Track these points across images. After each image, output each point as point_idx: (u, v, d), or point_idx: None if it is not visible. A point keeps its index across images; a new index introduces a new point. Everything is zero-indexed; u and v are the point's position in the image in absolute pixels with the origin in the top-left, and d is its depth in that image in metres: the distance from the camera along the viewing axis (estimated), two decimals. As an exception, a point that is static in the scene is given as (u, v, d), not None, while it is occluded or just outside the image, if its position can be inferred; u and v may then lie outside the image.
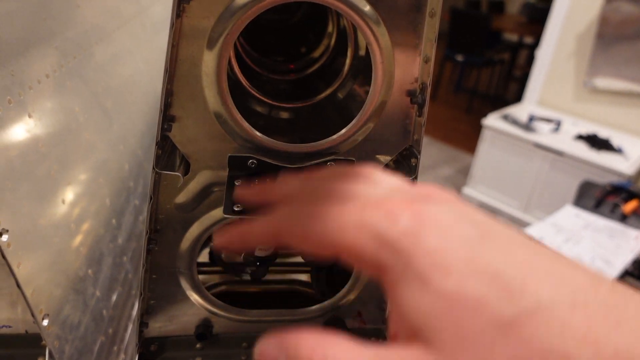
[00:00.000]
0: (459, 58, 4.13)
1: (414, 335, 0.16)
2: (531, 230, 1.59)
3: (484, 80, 4.72)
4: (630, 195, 1.67)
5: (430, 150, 3.55)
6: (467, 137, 3.71)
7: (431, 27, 0.34)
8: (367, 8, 0.33)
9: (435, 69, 4.53)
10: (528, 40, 4.59)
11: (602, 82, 2.41)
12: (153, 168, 0.35)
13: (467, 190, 2.93)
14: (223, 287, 0.59)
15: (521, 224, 2.51)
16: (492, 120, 2.54)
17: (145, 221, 0.38)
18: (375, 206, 0.18)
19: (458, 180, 3.12)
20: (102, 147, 0.62)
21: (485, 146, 2.75)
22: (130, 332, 0.68)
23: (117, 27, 0.78)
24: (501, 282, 0.15)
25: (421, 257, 0.16)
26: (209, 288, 0.54)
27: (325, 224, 0.18)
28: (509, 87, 4.70)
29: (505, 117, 2.52)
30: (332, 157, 0.38)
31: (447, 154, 3.52)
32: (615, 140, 2.25)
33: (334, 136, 0.37)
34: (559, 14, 2.45)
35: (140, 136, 0.80)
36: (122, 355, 0.65)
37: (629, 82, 2.33)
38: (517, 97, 2.96)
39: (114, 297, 0.63)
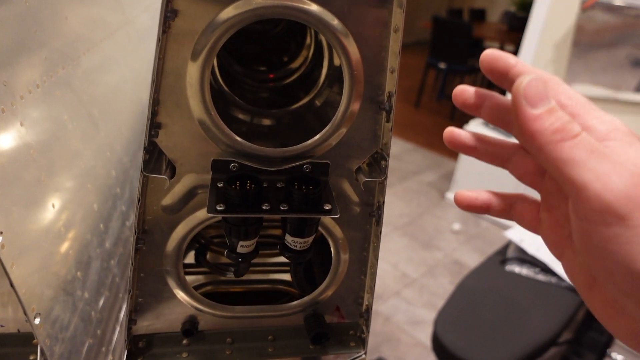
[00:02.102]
0: (442, 66, 4.21)
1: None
2: (511, 233, 1.64)
3: (467, 87, 4.79)
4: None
5: (414, 157, 3.61)
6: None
7: (395, 41, 0.37)
8: (335, 22, 0.36)
9: (419, 76, 4.57)
10: (509, 48, 4.69)
11: (580, 88, 2.48)
12: (141, 171, 0.38)
13: (450, 195, 2.99)
14: (208, 288, 0.62)
15: (502, 227, 2.57)
16: (474, 126, 2.60)
17: (134, 222, 0.40)
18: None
19: (442, 186, 3.17)
20: (90, 154, 0.64)
21: (468, 152, 2.80)
22: (117, 334, 0.70)
23: (103, 38, 0.80)
24: None
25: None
26: (195, 288, 0.56)
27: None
28: (491, 93, 4.78)
29: (487, 123, 2.57)
30: (308, 160, 0.41)
31: (430, 160, 3.58)
32: (592, 144, 2.32)
33: (309, 141, 0.40)
34: (536, 23, 2.53)
35: (126, 143, 0.82)
36: (110, 357, 0.66)
37: (605, 88, 2.41)
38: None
39: (102, 300, 0.65)
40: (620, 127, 0.25)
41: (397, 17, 0.37)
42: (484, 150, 0.32)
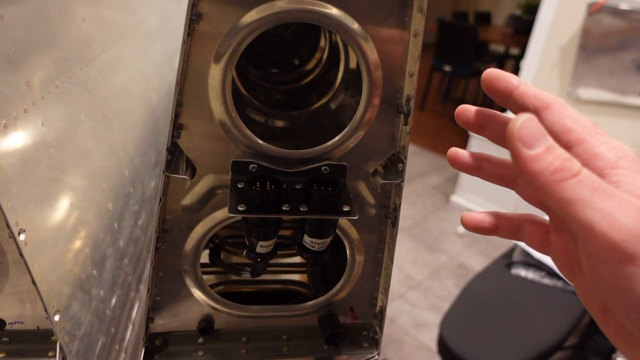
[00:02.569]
0: (447, 68, 4.21)
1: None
2: (517, 236, 1.64)
3: (472, 90, 4.81)
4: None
5: (419, 159, 3.61)
6: (455, 146, 3.76)
7: (415, 45, 0.38)
8: (355, 26, 0.37)
9: (424, 79, 4.56)
10: (514, 51, 4.70)
11: (586, 92, 2.48)
12: (163, 172, 0.38)
13: (455, 198, 2.99)
14: (220, 287, 0.62)
15: (508, 231, 2.56)
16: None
17: (155, 221, 0.41)
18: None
19: (446, 189, 3.17)
20: (105, 154, 0.65)
21: (473, 154, 2.80)
22: (130, 332, 0.70)
23: (117, 39, 0.81)
24: None
25: None
26: (208, 288, 0.57)
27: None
28: (496, 97, 4.78)
29: None
30: (326, 162, 0.42)
31: (435, 163, 3.58)
32: (598, 148, 2.31)
33: (328, 143, 0.41)
34: (543, 26, 2.53)
35: (137, 143, 0.83)
36: (122, 355, 0.67)
37: (611, 92, 2.40)
38: (504, 107, 3.02)
39: (114, 299, 0.66)
40: (629, 154, 0.25)
41: (417, 22, 0.37)
42: (488, 171, 0.32)
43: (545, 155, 0.22)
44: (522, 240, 0.31)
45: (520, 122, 0.22)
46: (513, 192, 0.34)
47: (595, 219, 0.21)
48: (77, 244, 0.54)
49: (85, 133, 0.59)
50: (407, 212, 2.85)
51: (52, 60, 0.52)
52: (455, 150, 0.33)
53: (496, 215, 0.32)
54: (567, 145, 0.26)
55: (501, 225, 0.31)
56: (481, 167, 0.32)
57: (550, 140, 0.22)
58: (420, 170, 3.44)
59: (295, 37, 0.71)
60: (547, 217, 0.31)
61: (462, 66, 4.15)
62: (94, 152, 0.62)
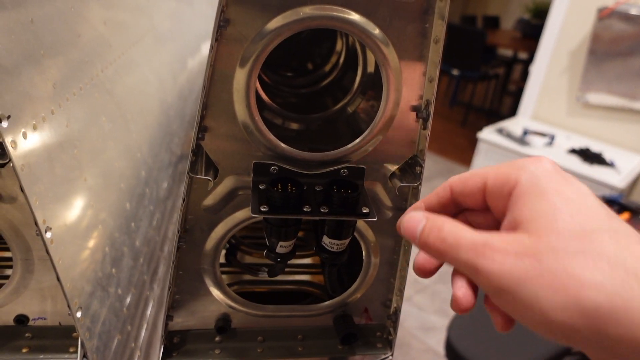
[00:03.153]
0: (455, 72, 4.21)
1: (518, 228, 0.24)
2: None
3: (479, 95, 4.80)
4: (622, 208, 1.72)
5: (426, 163, 3.60)
6: (462, 150, 3.77)
7: (435, 52, 0.39)
8: (376, 31, 0.38)
9: (432, 82, 4.57)
10: (522, 55, 4.68)
11: (595, 97, 2.47)
12: (187, 173, 0.39)
13: (463, 201, 2.98)
14: (235, 287, 0.63)
15: (515, 235, 2.56)
16: (487, 134, 2.60)
17: (177, 221, 0.41)
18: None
19: (454, 192, 3.16)
20: (124, 155, 0.66)
21: (480, 159, 2.81)
22: (145, 331, 0.71)
23: (134, 42, 0.82)
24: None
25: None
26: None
27: None
28: (504, 101, 4.78)
29: (500, 131, 2.58)
30: (345, 165, 0.43)
31: (442, 166, 3.57)
32: (608, 154, 2.31)
33: (347, 146, 0.42)
34: (552, 31, 2.53)
35: (151, 144, 0.84)
36: (137, 352, 0.68)
37: (620, 97, 2.40)
38: (512, 112, 3.02)
39: (129, 297, 0.67)
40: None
41: (438, 29, 0.38)
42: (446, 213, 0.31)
43: (426, 232, 0.26)
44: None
45: (401, 224, 0.28)
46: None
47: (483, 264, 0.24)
48: (97, 242, 0.55)
49: (105, 134, 0.61)
50: (414, 215, 2.84)
51: (76, 62, 0.53)
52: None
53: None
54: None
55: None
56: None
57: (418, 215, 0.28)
58: (427, 173, 3.42)
59: (310, 40, 0.72)
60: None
61: (470, 70, 4.15)
62: (113, 153, 0.63)
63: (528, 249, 0.22)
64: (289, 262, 0.70)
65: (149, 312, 0.74)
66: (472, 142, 2.80)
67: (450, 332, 1.33)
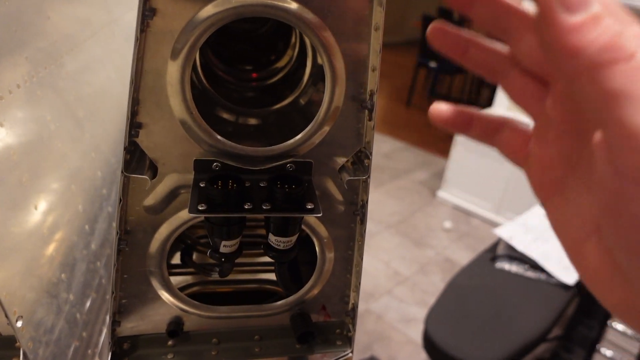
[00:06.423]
0: (432, 64, 4.22)
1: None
2: (501, 230, 1.65)
3: (457, 86, 4.83)
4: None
5: (405, 155, 3.61)
6: (441, 142, 3.78)
7: (376, 40, 0.37)
8: (315, 20, 0.36)
9: (409, 75, 4.58)
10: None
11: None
12: (122, 172, 0.37)
13: (442, 193, 3.00)
14: (196, 288, 0.61)
15: (493, 225, 2.58)
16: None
17: (116, 223, 0.40)
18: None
19: (433, 184, 3.18)
20: (75, 156, 0.64)
21: (459, 150, 2.82)
22: (104, 336, 0.69)
23: (88, 37, 0.79)
24: None
25: None
26: (182, 289, 0.56)
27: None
28: (482, 92, 4.82)
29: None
30: (291, 159, 0.41)
31: (421, 159, 3.59)
32: (580, 142, 2.34)
33: (292, 140, 0.40)
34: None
35: (113, 144, 0.81)
36: (96, 359, 0.66)
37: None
38: (490, 102, 3.04)
39: (88, 302, 0.65)
40: None
41: (378, 16, 0.37)
42: (476, 58, 0.25)
43: (592, 24, 0.16)
44: (496, 147, 0.26)
45: None
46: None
47: None
48: (44, 248, 0.52)
49: (52, 134, 0.58)
50: (394, 208, 2.85)
51: (12, 59, 0.51)
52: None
53: (470, 113, 0.27)
54: None
55: (475, 124, 0.26)
56: (468, 51, 0.25)
57: (597, 6, 0.16)
58: (406, 166, 3.44)
59: (270, 34, 0.70)
60: (530, 125, 0.26)
61: (448, 62, 4.17)
62: (62, 154, 0.60)
63: None
64: (253, 260, 0.68)
65: (108, 316, 0.71)
66: (451, 134, 2.81)
67: (427, 324, 1.33)
